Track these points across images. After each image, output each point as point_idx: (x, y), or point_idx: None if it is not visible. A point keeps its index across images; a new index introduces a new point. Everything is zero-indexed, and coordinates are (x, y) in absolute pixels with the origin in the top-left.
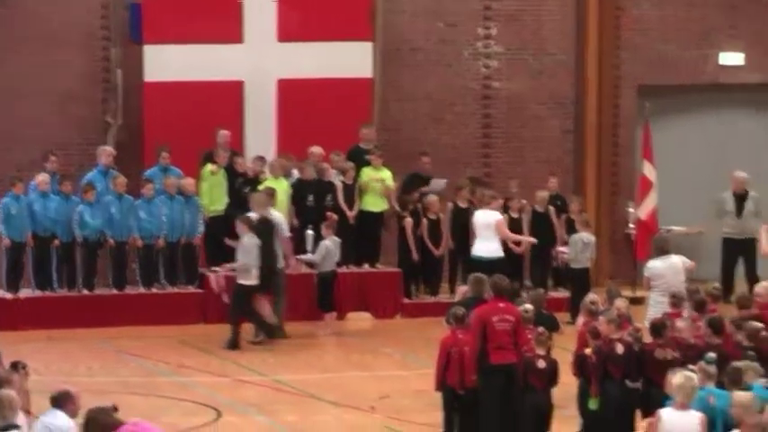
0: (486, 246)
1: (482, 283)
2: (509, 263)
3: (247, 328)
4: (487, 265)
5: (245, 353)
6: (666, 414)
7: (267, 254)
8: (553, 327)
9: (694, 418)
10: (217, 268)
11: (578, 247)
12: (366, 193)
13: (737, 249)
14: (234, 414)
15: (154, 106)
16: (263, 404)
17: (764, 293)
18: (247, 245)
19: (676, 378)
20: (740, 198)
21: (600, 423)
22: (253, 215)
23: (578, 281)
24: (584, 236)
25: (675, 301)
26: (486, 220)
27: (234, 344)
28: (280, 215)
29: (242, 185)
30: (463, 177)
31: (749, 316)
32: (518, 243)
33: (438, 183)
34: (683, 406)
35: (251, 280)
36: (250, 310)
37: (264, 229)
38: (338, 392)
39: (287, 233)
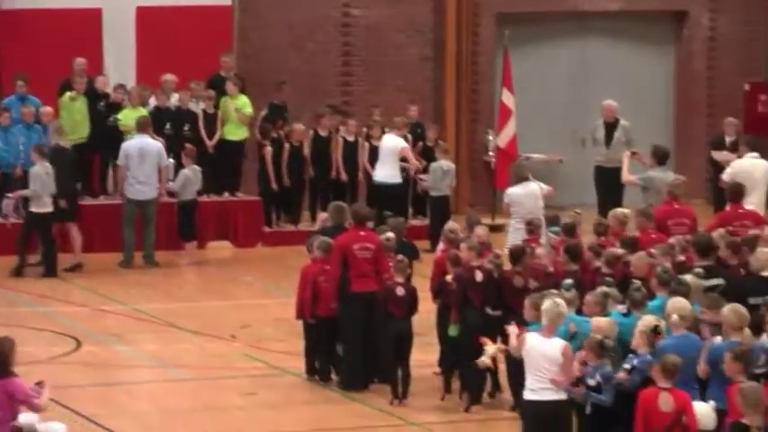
0: (388, 171)
1: (342, 212)
2: (406, 189)
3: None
4: (388, 190)
5: (105, 282)
6: (531, 338)
7: (62, 182)
8: (413, 255)
9: (557, 345)
10: (10, 194)
11: (438, 175)
12: (226, 122)
13: (606, 177)
14: (94, 344)
15: (10, 34)
16: (123, 333)
17: (613, 222)
18: (36, 172)
19: (545, 303)
20: (610, 127)
21: (459, 349)
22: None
23: (438, 208)
24: (444, 163)
25: (532, 227)
26: (393, 146)
27: (18, 270)
28: (157, 143)
29: (105, 110)
30: (323, 105)
31: (606, 243)
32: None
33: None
34: (549, 331)
35: (43, 208)
36: (45, 239)
37: (59, 157)
38: (199, 321)
39: (165, 161)
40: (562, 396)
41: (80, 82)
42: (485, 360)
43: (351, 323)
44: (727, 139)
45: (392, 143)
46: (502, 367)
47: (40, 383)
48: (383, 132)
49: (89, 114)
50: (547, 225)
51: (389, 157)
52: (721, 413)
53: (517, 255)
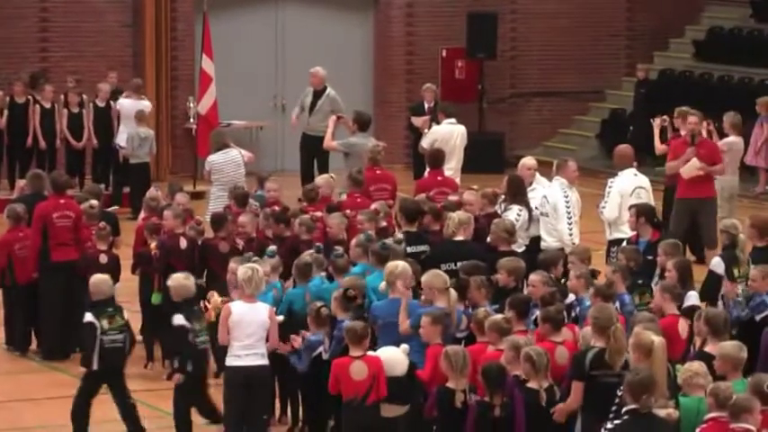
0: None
1: (41, 179)
2: None
3: None
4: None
5: None
6: (236, 307)
7: None
8: (114, 223)
9: (263, 309)
10: None
11: (135, 143)
12: None
13: (309, 144)
14: None
15: None
16: None
17: (323, 185)
18: None
19: (241, 271)
20: (317, 95)
21: (162, 317)
22: None
23: (137, 176)
24: (141, 131)
25: (234, 194)
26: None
27: None
28: None
29: None
30: (22, 71)
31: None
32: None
33: None
34: (251, 298)
35: None
36: None
37: None
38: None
39: None
40: (265, 362)
41: None
42: (212, 313)
43: (51, 293)
44: (426, 105)
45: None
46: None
47: None
48: (81, 99)
49: None
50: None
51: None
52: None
53: (220, 221)
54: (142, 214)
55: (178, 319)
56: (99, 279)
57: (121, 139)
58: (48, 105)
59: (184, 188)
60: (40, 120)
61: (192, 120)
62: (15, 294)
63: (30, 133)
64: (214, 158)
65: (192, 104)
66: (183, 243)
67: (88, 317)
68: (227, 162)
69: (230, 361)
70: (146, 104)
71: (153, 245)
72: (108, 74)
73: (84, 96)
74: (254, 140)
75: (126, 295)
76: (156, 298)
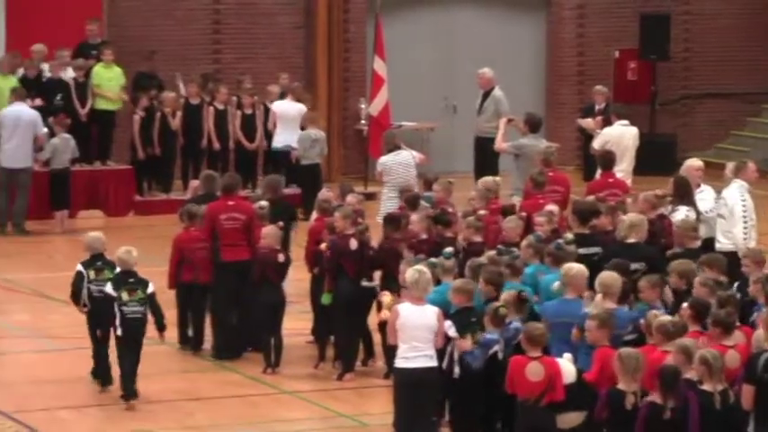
0: (288, 137)
1: (213, 180)
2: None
3: None
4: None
5: None
6: (404, 309)
7: None
8: (291, 215)
9: (431, 312)
10: None
11: (307, 144)
12: (98, 94)
13: (479, 147)
14: None
15: None
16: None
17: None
18: None
19: (409, 273)
20: (484, 96)
21: (332, 318)
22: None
23: (309, 177)
24: (313, 132)
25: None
26: (294, 110)
27: None
28: (33, 112)
29: None
30: (195, 73)
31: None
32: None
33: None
34: (420, 300)
35: None
36: None
37: None
38: (69, 291)
39: (40, 130)
40: (434, 363)
41: None
42: (386, 312)
43: (223, 292)
44: (596, 107)
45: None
46: (377, 337)
47: None
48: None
49: None
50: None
51: (291, 123)
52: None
53: (395, 221)
54: (314, 215)
55: None
56: (92, 236)
57: (279, 141)
58: (222, 107)
59: (355, 189)
60: (215, 121)
61: (363, 121)
62: (189, 294)
63: (204, 134)
64: (385, 160)
65: (363, 106)
66: (354, 244)
67: (78, 267)
68: (399, 163)
69: (399, 363)
70: (300, 108)
71: (324, 245)
72: (279, 76)
73: (256, 98)
74: (424, 142)
75: (296, 295)
76: (326, 298)
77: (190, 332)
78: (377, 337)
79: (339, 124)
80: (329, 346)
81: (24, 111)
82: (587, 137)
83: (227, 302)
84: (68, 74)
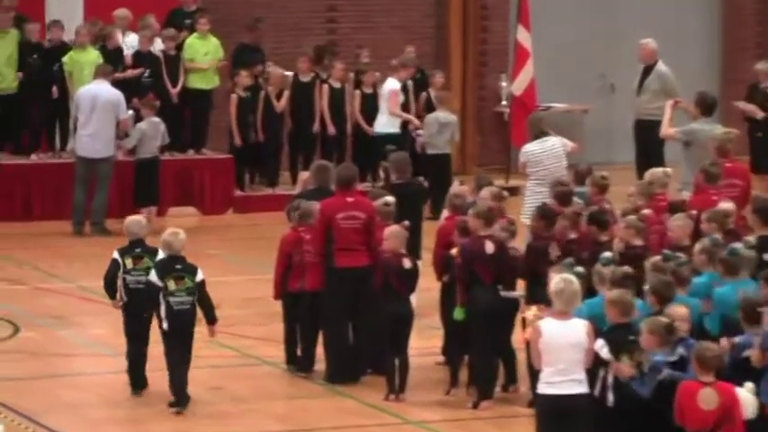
0: (380, 119)
1: (327, 172)
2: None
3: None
4: (381, 142)
5: (46, 255)
6: (546, 325)
7: None
8: (422, 198)
9: (578, 327)
10: None
11: (434, 129)
12: (192, 69)
13: (640, 131)
14: (34, 328)
15: None
16: (67, 315)
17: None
18: None
19: (553, 282)
20: (645, 71)
21: (466, 336)
22: None
23: (436, 168)
24: (441, 115)
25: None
26: (384, 91)
27: None
28: (115, 92)
29: (40, 63)
30: (306, 45)
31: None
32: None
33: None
34: (565, 314)
35: None
36: None
37: None
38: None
39: (124, 113)
40: (583, 389)
41: (3, 19)
42: (527, 333)
43: (337, 304)
44: (762, 86)
45: (386, 86)
46: (520, 357)
47: None
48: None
49: (18, 62)
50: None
51: (382, 104)
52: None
53: (549, 217)
54: (445, 213)
55: None
56: (131, 220)
57: (380, 125)
58: (337, 85)
59: (494, 183)
60: (329, 101)
61: (504, 102)
62: (298, 305)
63: (316, 117)
64: (531, 148)
65: (504, 84)
66: (490, 247)
67: (114, 254)
68: (546, 152)
69: (542, 388)
70: (389, 86)
71: (455, 249)
72: (405, 48)
73: (378, 74)
74: (576, 126)
75: (425, 308)
76: (459, 313)
77: (298, 351)
78: (522, 358)
79: (475, 106)
80: (463, 369)
81: (103, 90)
82: (756, 123)
83: (343, 316)
84: (157, 46)
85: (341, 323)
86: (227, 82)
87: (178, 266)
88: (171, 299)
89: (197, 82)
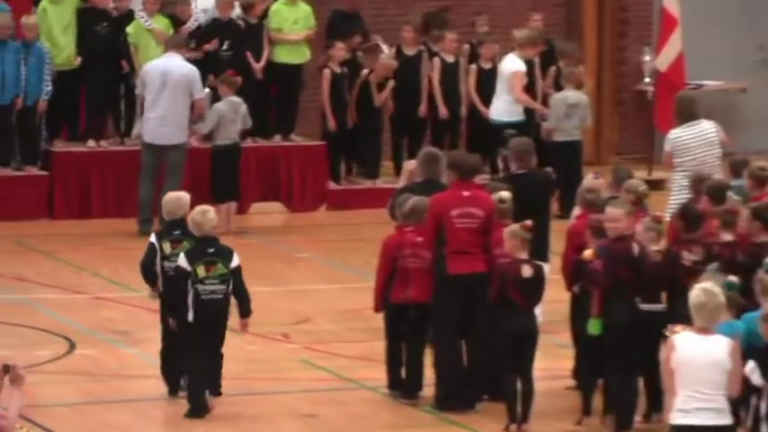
0: (498, 105)
1: (437, 162)
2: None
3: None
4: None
5: (107, 259)
6: (682, 341)
7: None
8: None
9: (721, 344)
10: None
11: (561, 112)
12: (279, 41)
13: None
14: (92, 345)
15: None
16: (132, 330)
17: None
18: None
19: (694, 294)
20: None
21: (602, 355)
22: None
23: (566, 158)
24: (571, 95)
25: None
26: (504, 70)
27: None
28: (190, 68)
29: (107, 32)
30: (413, 13)
31: None
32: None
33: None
34: (706, 330)
35: None
36: None
37: None
38: (237, 314)
39: (200, 92)
40: (725, 420)
41: None
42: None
43: (449, 318)
44: None
45: (506, 66)
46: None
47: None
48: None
49: (81, 34)
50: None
51: (500, 86)
52: None
53: (693, 218)
54: (576, 211)
55: None
56: (170, 197)
57: (498, 112)
58: (450, 59)
59: (636, 174)
60: (440, 78)
61: (647, 79)
62: (403, 319)
63: (423, 97)
64: (678, 134)
65: (647, 58)
66: (635, 249)
67: (151, 237)
68: (696, 139)
69: (675, 418)
70: (510, 66)
71: (590, 252)
72: (531, 16)
73: (497, 47)
74: (733, 109)
75: (551, 323)
76: (594, 326)
77: (403, 372)
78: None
79: (612, 83)
80: (597, 394)
81: (175, 65)
82: None
83: (455, 332)
84: (236, 14)
85: (453, 340)
86: (319, 56)
87: (210, 250)
88: (200, 287)
89: (284, 56)
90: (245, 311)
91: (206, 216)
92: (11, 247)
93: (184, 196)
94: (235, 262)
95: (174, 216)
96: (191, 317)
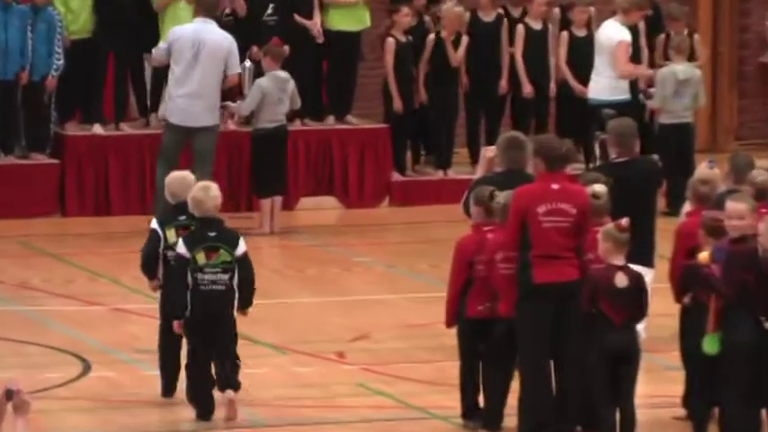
0: (599, 82)
1: (521, 148)
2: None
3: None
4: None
5: (129, 263)
6: None
7: None
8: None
9: None
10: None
11: (669, 89)
12: (333, 4)
13: None
14: (110, 365)
15: None
16: (156, 349)
17: None
18: None
19: None
20: None
21: (719, 378)
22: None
23: (675, 143)
24: (680, 69)
25: None
26: (604, 40)
27: None
28: (225, 35)
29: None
30: None
31: None
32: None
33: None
34: None
35: None
36: None
37: None
38: (283, 329)
39: (236, 66)
40: None
41: None
42: None
43: (535, 335)
44: None
45: (606, 34)
46: None
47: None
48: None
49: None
50: None
51: (600, 59)
52: None
53: None
54: (687, 207)
55: None
56: (174, 177)
57: (598, 90)
58: (537, 26)
59: (758, 163)
60: (524, 49)
61: None
62: (481, 336)
63: (504, 72)
64: None
65: None
66: (762, 252)
67: (152, 223)
68: None
69: None
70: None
71: (704, 255)
72: None
73: (593, 10)
74: None
75: (661, 340)
76: (710, 344)
77: (480, 399)
78: None
79: (730, 55)
80: (712, 425)
81: (209, 32)
82: None
83: (543, 352)
84: None
85: (540, 361)
86: (381, 22)
87: (211, 234)
88: (198, 276)
89: (339, 22)
90: (244, 303)
91: (209, 193)
92: (15, 249)
93: (189, 176)
94: (241, 249)
95: (178, 198)
96: (187, 312)
